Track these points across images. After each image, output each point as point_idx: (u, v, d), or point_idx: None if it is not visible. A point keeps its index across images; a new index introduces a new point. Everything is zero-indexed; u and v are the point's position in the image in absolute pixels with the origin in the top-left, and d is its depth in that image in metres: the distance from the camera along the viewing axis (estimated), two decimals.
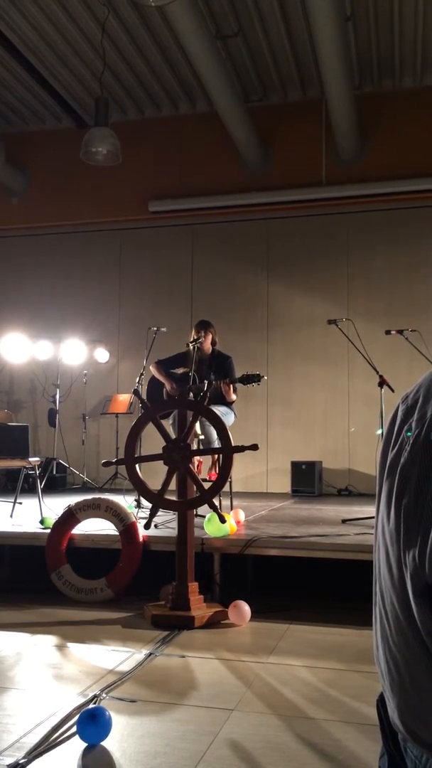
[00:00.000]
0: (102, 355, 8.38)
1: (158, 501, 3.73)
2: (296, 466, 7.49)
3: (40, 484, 5.49)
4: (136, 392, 4.05)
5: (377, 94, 7.90)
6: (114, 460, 4.07)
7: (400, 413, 0.90)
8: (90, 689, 2.70)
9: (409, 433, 0.85)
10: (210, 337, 5.46)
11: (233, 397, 5.19)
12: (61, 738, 2.24)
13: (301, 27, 6.78)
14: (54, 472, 7.68)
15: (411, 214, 7.83)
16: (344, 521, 4.83)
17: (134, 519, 4.28)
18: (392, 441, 0.89)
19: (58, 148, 8.72)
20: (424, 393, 0.86)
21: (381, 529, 0.87)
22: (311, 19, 5.86)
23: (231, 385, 5.10)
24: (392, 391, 4.85)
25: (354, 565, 4.01)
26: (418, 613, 0.80)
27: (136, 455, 3.89)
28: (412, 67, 7.56)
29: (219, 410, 4.71)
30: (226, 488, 4.77)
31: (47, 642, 3.35)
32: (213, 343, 5.52)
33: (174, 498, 3.79)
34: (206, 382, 4.36)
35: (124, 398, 7.94)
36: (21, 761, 2.06)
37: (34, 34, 6.95)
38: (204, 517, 4.26)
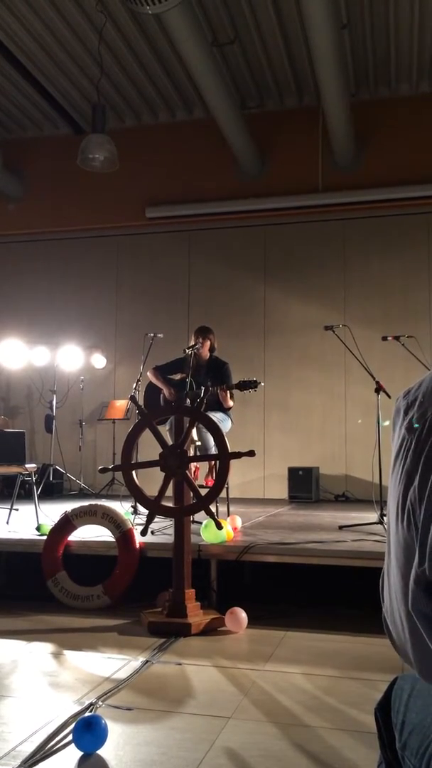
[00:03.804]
0: (99, 360, 8.38)
1: (155, 507, 3.72)
2: (293, 472, 7.49)
3: (37, 491, 5.48)
4: (132, 398, 4.04)
5: (373, 101, 7.93)
6: (111, 467, 4.07)
7: (401, 408, 0.91)
8: (86, 697, 2.68)
9: (411, 432, 0.85)
10: (208, 343, 5.46)
11: (230, 403, 5.19)
12: (57, 746, 2.23)
13: (298, 34, 6.81)
14: (50, 479, 7.66)
15: (407, 221, 7.86)
16: (341, 527, 4.83)
17: (131, 525, 4.27)
18: (395, 431, 0.90)
19: (55, 155, 8.74)
20: (425, 391, 0.87)
21: (393, 525, 0.87)
22: (307, 26, 5.89)
23: (228, 392, 5.09)
24: (389, 397, 4.85)
25: (351, 571, 4.01)
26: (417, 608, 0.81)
27: (132, 461, 3.89)
28: (408, 74, 7.60)
29: (216, 416, 4.71)
30: (223, 494, 4.76)
31: (43, 649, 3.33)
32: (211, 350, 5.52)
33: (171, 504, 3.78)
34: (203, 388, 4.36)
35: (121, 404, 7.93)
36: None
37: (31, 41, 6.98)
38: (201, 523, 4.25)
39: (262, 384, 5.12)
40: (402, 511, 0.84)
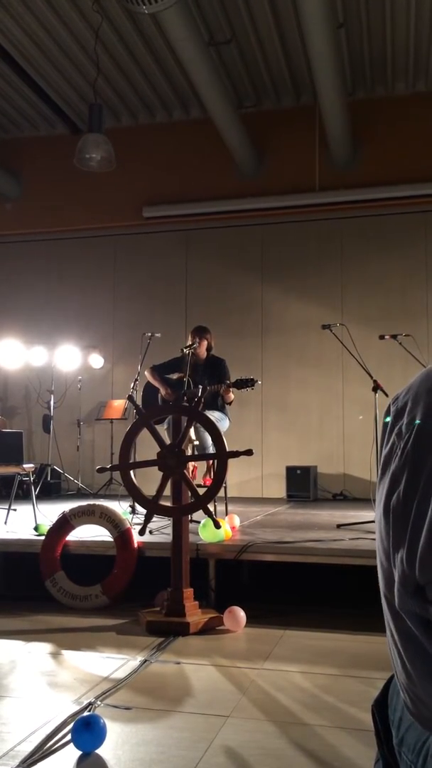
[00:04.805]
0: (96, 360, 8.38)
1: (153, 507, 3.72)
2: (291, 471, 7.49)
3: (35, 491, 5.48)
4: (130, 398, 4.04)
5: (370, 100, 7.94)
6: (108, 466, 4.06)
7: (391, 414, 0.91)
8: (85, 697, 2.69)
9: (400, 438, 0.85)
10: (205, 343, 5.46)
11: (232, 396, 5.21)
12: (56, 746, 2.23)
13: (294, 34, 6.81)
14: (48, 479, 7.66)
15: (404, 220, 7.87)
16: (339, 526, 4.83)
17: (129, 525, 4.27)
18: (385, 440, 0.90)
19: (52, 155, 8.73)
20: (413, 396, 0.87)
21: (377, 528, 0.88)
22: (304, 25, 5.89)
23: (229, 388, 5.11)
24: (386, 395, 4.86)
25: (349, 570, 4.02)
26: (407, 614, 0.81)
27: (130, 461, 3.89)
28: (405, 73, 7.60)
29: (213, 416, 4.72)
30: (221, 493, 4.76)
31: (42, 649, 3.33)
32: (208, 349, 5.52)
33: (169, 504, 3.78)
34: (201, 387, 4.36)
35: (119, 404, 7.93)
36: None
37: (27, 41, 6.97)
38: (199, 522, 4.26)
39: (259, 382, 5.13)
40: (386, 515, 0.84)
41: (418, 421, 0.83)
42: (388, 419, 0.92)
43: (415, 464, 0.81)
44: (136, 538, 4.16)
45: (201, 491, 3.78)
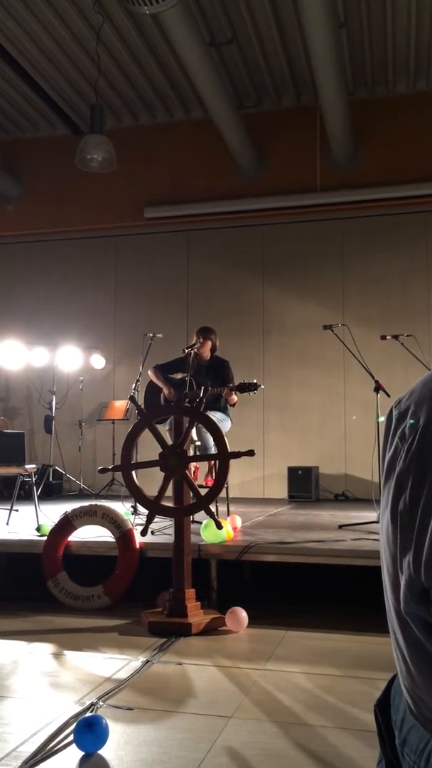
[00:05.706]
0: (98, 361, 8.38)
1: (155, 507, 3.72)
2: (293, 472, 7.49)
3: (37, 491, 5.48)
4: (132, 398, 4.04)
5: (371, 99, 7.93)
6: (110, 467, 4.07)
7: (394, 418, 0.90)
8: (87, 697, 2.69)
9: (404, 441, 0.85)
10: (209, 343, 5.45)
11: (235, 399, 5.21)
12: (58, 747, 2.23)
13: (295, 34, 6.81)
14: (50, 479, 7.66)
15: (405, 220, 7.86)
16: (341, 527, 4.83)
17: (131, 526, 4.27)
18: (387, 444, 0.90)
19: (53, 155, 8.73)
20: (416, 400, 0.87)
21: (383, 533, 0.88)
22: (305, 25, 5.89)
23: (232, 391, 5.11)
24: (387, 395, 4.86)
25: (351, 570, 4.01)
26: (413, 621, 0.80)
27: (132, 461, 3.89)
28: (406, 72, 7.60)
29: (215, 416, 4.72)
30: (223, 494, 4.76)
31: (44, 650, 3.34)
32: (213, 350, 5.51)
33: (170, 504, 3.78)
34: (203, 387, 4.36)
35: (121, 404, 7.93)
36: None
37: (28, 41, 6.97)
38: (201, 523, 4.26)
39: (262, 386, 5.13)
40: (393, 520, 0.84)
41: (421, 425, 0.82)
42: (382, 419, 0.92)
43: (419, 467, 0.81)
44: (138, 539, 4.16)
45: (203, 492, 3.78)
